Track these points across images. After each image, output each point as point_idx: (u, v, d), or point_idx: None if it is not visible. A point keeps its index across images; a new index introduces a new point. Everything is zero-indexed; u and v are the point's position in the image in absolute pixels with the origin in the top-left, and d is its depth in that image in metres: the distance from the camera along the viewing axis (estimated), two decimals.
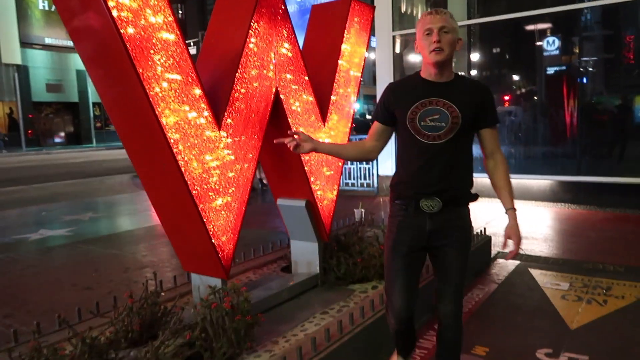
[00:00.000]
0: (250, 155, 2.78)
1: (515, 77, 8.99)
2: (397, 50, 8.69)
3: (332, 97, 3.42)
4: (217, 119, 2.55)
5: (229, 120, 2.61)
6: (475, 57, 8.43)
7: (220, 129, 2.56)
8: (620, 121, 7.59)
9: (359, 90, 3.71)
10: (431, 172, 1.96)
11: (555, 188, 7.45)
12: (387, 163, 8.23)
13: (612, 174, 6.91)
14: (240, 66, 2.70)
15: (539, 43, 8.02)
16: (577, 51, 7.71)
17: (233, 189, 2.67)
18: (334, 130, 3.45)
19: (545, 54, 8.01)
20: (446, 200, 1.96)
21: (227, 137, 2.61)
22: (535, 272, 4.11)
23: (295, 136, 2.11)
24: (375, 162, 8.38)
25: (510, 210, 1.99)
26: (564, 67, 7.99)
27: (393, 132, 2.14)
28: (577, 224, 5.97)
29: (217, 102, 2.62)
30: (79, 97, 32.16)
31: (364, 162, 8.57)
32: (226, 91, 2.64)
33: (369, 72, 27.42)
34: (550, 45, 8.01)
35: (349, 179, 8.68)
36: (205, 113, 2.48)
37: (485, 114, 1.99)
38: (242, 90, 2.70)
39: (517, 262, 4.39)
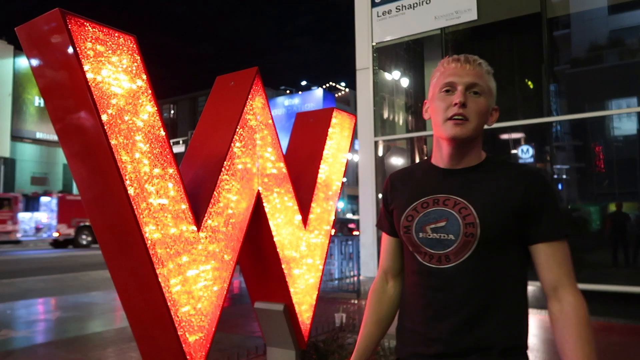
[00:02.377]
0: (229, 257, 2.74)
1: None
2: (380, 153, 9.01)
3: (314, 199, 3.47)
4: (197, 219, 2.55)
5: (209, 222, 2.61)
6: None
7: (200, 230, 2.55)
8: (599, 228, 7.76)
9: (341, 191, 3.78)
10: (440, 319, 1.23)
11: (538, 294, 7.37)
12: (369, 265, 8.17)
13: (594, 281, 6.90)
14: (224, 168, 2.76)
15: (514, 151, 8.41)
16: (550, 159, 8.08)
17: (209, 291, 2.59)
18: (315, 232, 3.45)
19: (520, 161, 8.37)
20: None
21: (206, 237, 2.59)
22: None
23: None
24: (355, 262, 8.30)
25: None
26: None
27: None
28: None
29: (199, 202, 2.64)
30: (63, 190, 32.18)
31: (346, 262, 8.46)
32: (208, 192, 2.67)
33: (353, 173, 28.18)
34: (525, 153, 8.41)
35: (330, 280, 8.52)
36: (186, 214, 2.48)
37: (537, 219, 1.23)
38: (224, 192, 2.74)
39: None
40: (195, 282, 2.50)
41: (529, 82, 8.54)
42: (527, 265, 1.28)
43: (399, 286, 1.44)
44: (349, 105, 36.88)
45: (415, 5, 8.20)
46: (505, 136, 8.45)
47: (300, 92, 36.67)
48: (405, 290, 1.38)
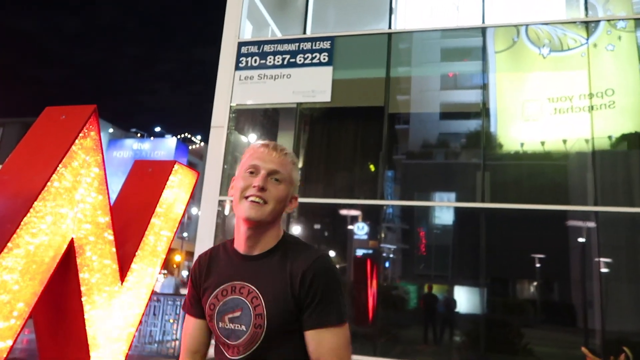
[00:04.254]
0: (20, 311, 2.34)
1: (331, 254, 9.69)
2: (227, 213, 8.87)
3: (138, 255, 3.21)
4: None
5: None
6: (295, 230, 8.99)
7: None
8: (415, 306, 8.48)
9: (170, 247, 3.58)
10: None
11: None
12: None
13: (405, 357, 7.40)
14: (33, 208, 2.42)
15: (351, 227, 8.95)
16: (380, 238, 8.75)
17: None
18: (133, 290, 3.17)
19: (355, 237, 8.91)
20: None
21: None
22: None
23: None
24: (179, 323, 7.79)
25: None
26: (370, 251, 8.91)
27: None
28: None
29: None
30: None
31: (168, 321, 7.88)
32: (5, 235, 2.30)
33: (196, 229, 27.23)
34: (360, 230, 8.99)
35: (149, 342, 7.80)
36: None
37: (308, 308, 1.23)
38: (28, 236, 2.39)
39: None
40: None
41: (370, 166, 9.34)
42: None
43: None
44: (201, 159, 36.23)
45: (276, 77, 8.58)
46: (344, 212, 8.98)
47: (152, 138, 35.11)
48: None
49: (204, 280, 1.36)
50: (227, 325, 1.26)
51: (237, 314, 1.25)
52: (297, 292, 1.23)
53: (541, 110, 7.79)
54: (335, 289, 1.27)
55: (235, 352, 1.25)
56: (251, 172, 1.30)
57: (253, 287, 1.25)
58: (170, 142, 32.31)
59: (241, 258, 1.32)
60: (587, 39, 7.82)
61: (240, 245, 1.33)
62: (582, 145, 7.62)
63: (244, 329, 1.23)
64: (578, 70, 7.78)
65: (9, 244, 2.28)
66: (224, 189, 8.54)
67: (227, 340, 1.26)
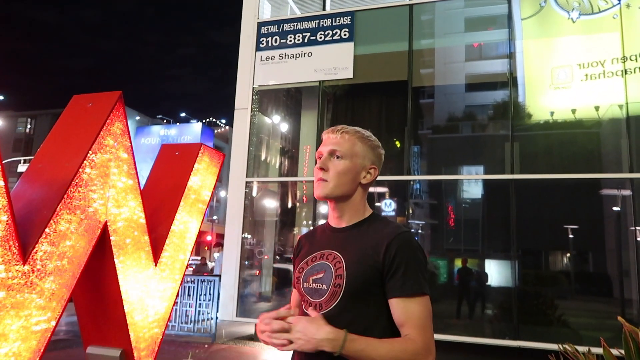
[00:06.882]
0: (60, 294, 2.44)
1: None
2: (255, 194, 8.95)
3: (170, 236, 3.28)
4: (24, 248, 2.25)
5: (39, 254, 2.31)
6: (323, 209, 9.03)
7: (26, 263, 2.24)
8: (445, 281, 8.44)
9: (201, 227, 3.64)
10: None
11: None
12: (228, 308, 7.90)
13: (436, 331, 7.40)
14: (66, 195, 2.49)
15: (378, 204, 8.93)
16: (408, 214, 8.71)
17: (28, 332, 2.26)
18: (166, 272, 3.25)
19: (383, 214, 8.89)
20: None
21: (32, 271, 2.28)
22: None
23: (286, 323, 1.27)
24: (214, 303, 7.98)
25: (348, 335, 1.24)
26: None
27: None
28: None
29: (30, 229, 2.34)
30: None
31: (203, 304, 8.06)
32: (44, 219, 2.38)
33: (225, 211, 27.63)
34: (388, 207, 8.96)
35: (185, 322, 8.03)
36: (11, 241, 2.17)
37: (392, 277, 1.31)
38: (63, 221, 2.46)
39: None
40: (13, 320, 2.17)
41: (396, 142, 9.26)
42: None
43: None
44: (227, 143, 36.53)
45: (297, 56, 8.52)
46: (370, 189, 8.88)
47: (178, 124, 35.51)
48: None
49: (302, 256, 1.52)
50: (310, 285, 1.40)
51: (320, 275, 1.39)
52: (381, 260, 1.33)
53: (571, 77, 7.54)
54: (420, 262, 1.37)
55: (317, 309, 1.36)
56: (319, 157, 1.46)
57: (338, 254, 1.39)
58: (196, 127, 32.65)
59: (332, 230, 1.48)
60: (620, 0, 7.48)
61: (331, 221, 1.51)
62: (616, 111, 7.37)
63: (325, 288, 1.36)
64: (610, 33, 7.47)
65: (47, 230, 2.36)
66: (251, 170, 8.60)
67: (310, 299, 1.39)
